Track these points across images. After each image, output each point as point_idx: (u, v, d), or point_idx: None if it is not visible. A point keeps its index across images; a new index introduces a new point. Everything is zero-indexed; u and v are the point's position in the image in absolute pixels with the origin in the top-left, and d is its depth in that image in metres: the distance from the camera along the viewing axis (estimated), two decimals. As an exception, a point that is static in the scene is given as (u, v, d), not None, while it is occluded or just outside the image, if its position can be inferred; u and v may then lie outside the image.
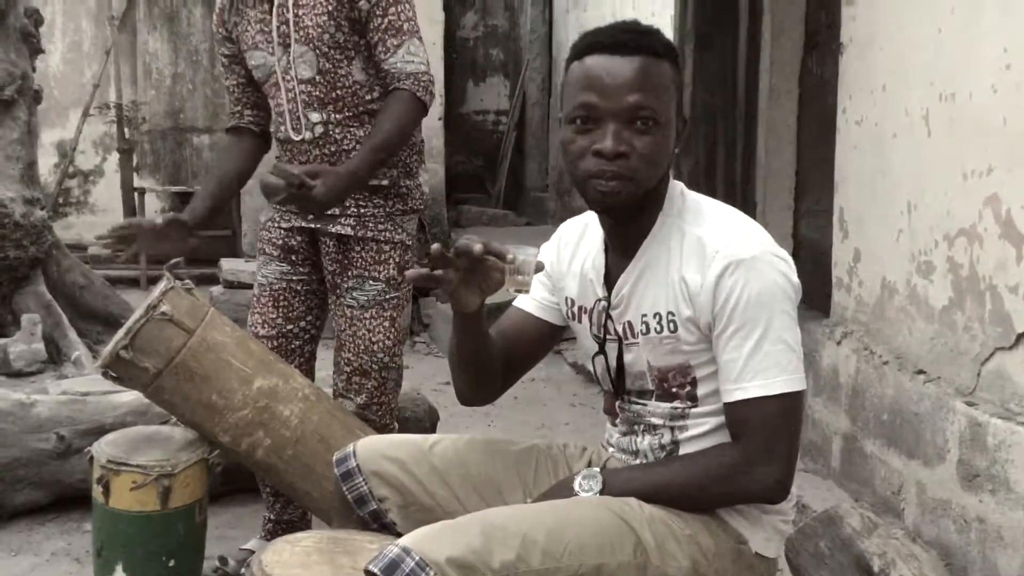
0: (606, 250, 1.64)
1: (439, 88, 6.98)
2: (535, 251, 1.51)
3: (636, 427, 1.65)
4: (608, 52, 1.50)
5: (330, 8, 2.33)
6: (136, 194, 7.28)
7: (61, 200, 7.43)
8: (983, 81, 2.48)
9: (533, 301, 1.75)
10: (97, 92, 7.37)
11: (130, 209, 7.27)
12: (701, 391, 1.56)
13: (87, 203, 7.54)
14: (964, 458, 2.48)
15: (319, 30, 2.35)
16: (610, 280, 1.62)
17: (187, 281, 2.27)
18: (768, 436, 1.48)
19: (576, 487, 1.55)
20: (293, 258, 2.51)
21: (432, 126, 7.02)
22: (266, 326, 2.51)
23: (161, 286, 2.20)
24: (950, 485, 2.54)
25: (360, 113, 2.42)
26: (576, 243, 1.71)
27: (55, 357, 4.67)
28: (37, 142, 5.22)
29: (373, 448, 1.71)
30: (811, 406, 3.31)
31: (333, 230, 2.43)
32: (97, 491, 2.24)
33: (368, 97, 2.41)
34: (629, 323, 1.59)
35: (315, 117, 2.41)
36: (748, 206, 3.97)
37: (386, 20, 2.32)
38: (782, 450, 1.49)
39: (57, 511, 2.95)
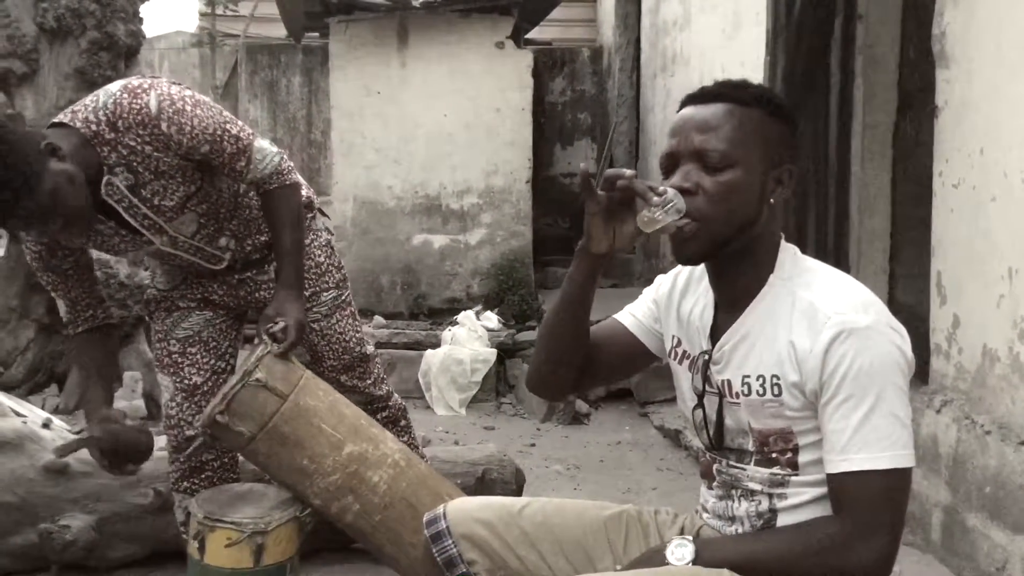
0: (716, 306, 1.64)
1: (528, 152, 7.10)
2: (675, 192, 1.48)
3: (733, 492, 1.61)
4: (694, 103, 1.56)
5: (179, 178, 2.28)
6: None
7: (163, 261, 7.69)
8: (1087, 144, 2.42)
9: (632, 317, 1.76)
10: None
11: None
12: (803, 459, 1.52)
13: (187, 264, 7.79)
14: (1075, 534, 2.37)
15: (183, 199, 2.31)
16: (716, 334, 1.61)
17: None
18: (872, 511, 1.43)
19: (668, 555, 1.52)
20: (213, 302, 2.58)
21: (520, 189, 7.12)
22: (201, 373, 2.55)
23: (257, 351, 2.26)
24: (1060, 563, 2.43)
25: (242, 202, 2.47)
26: (696, 282, 1.70)
27: (154, 413, 4.80)
28: (142, 206, 5.43)
29: (463, 510, 1.72)
30: (909, 476, 3.21)
31: (269, 275, 2.52)
32: (192, 547, 2.28)
33: (237, 187, 2.44)
34: (728, 382, 1.57)
35: (223, 242, 2.47)
36: (841, 270, 3.91)
37: (225, 155, 2.28)
38: (886, 527, 1.44)
39: (153, 565, 3.01)
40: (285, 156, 2.39)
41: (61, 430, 3.35)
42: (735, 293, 1.57)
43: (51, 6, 5.04)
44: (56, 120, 2.22)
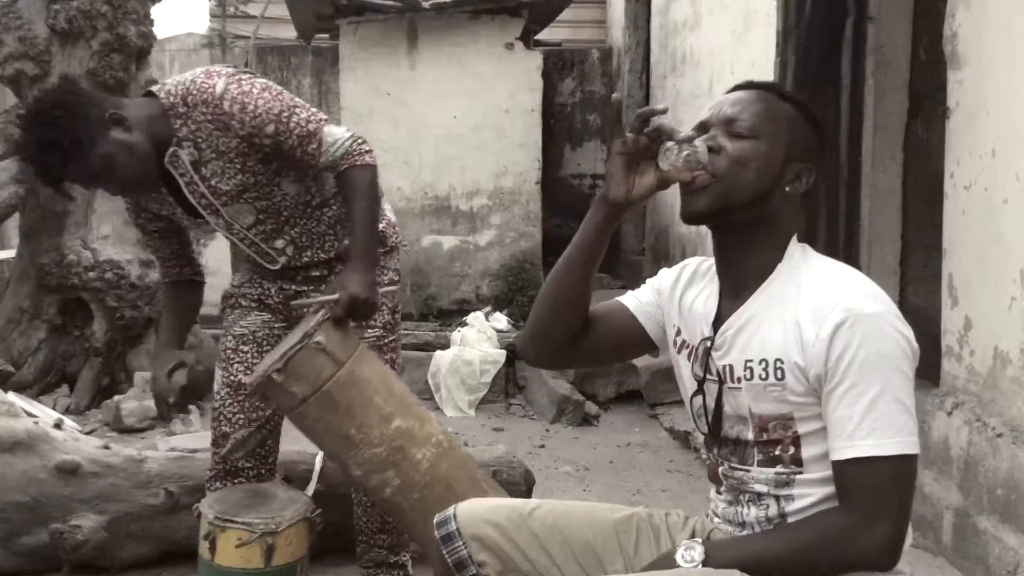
0: (720, 296, 1.64)
1: (538, 153, 7.10)
2: (703, 144, 1.54)
3: (741, 496, 1.61)
4: (734, 91, 1.63)
5: (238, 165, 2.35)
6: (243, 256, 7.51)
7: (173, 262, 7.72)
8: (1100, 145, 2.41)
9: (635, 300, 1.77)
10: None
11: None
12: (806, 454, 1.52)
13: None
14: (1087, 538, 2.36)
15: (239, 188, 2.38)
16: (719, 322, 1.62)
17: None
18: (879, 498, 1.43)
19: (678, 558, 1.52)
20: (269, 306, 2.59)
21: (529, 190, 7.12)
22: (248, 373, 2.56)
23: (318, 316, 2.24)
24: (1072, 566, 2.42)
25: (310, 213, 2.48)
26: (702, 276, 1.72)
27: (163, 414, 4.80)
28: (153, 207, 5.45)
29: (473, 512, 1.72)
30: (921, 478, 3.19)
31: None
32: (204, 547, 2.29)
33: (308, 197, 2.47)
34: (729, 367, 1.58)
35: (279, 244, 2.50)
36: (851, 271, 3.91)
37: (293, 137, 2.32)
38: (893, 513, 1.44)
39: (164, 565, 3.02)
40: (359, 139, 2.39)
41: (73, 430, 3.37)
42: (742, 278, 1.58)
43: (63, 8, 5.07)
44: (150, 88, 2.41)
